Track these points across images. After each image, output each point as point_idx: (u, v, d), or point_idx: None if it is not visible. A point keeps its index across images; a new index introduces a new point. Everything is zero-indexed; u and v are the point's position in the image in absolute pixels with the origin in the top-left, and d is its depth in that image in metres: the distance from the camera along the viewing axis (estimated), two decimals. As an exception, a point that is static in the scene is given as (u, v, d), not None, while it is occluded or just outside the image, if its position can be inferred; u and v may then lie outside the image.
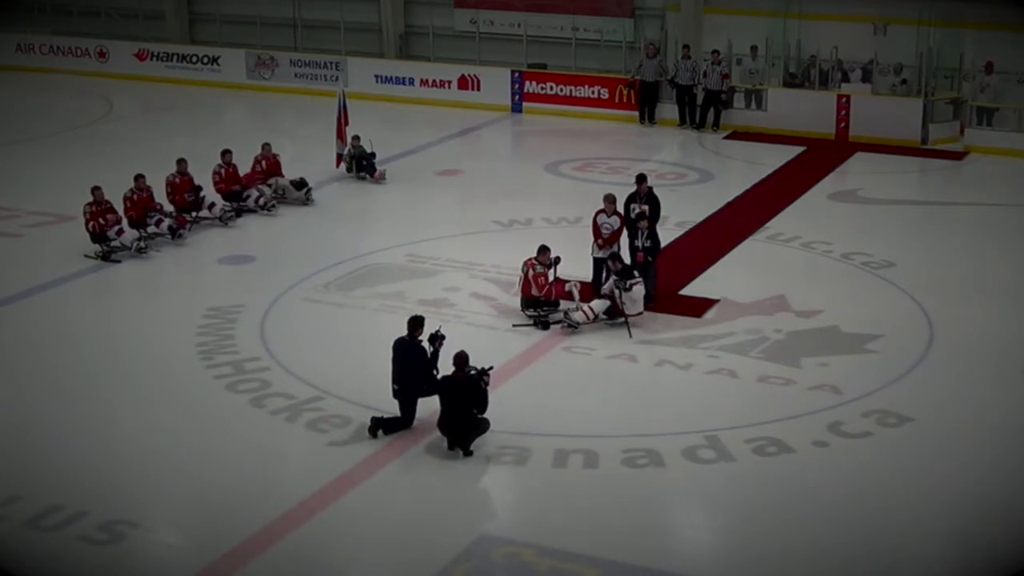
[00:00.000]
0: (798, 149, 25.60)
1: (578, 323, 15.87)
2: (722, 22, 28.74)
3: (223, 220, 20.47)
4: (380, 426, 13.07)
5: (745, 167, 24.60)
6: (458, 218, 21.36)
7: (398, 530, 11.54)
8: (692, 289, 17.49)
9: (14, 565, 10.79)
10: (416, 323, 13.28)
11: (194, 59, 32.87)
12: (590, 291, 16.46)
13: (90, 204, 18.76)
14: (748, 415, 13.62)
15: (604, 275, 16.38)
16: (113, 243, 18.78)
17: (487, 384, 12.67)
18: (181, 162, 20.54)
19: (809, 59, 27.61)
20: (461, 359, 12.68)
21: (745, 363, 15.00)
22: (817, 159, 24.99)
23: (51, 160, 25.16)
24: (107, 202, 18.88)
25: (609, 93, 28.57)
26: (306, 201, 21.66)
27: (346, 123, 23.55)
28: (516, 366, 14.92)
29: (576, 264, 16.86)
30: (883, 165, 24.66)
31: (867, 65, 26.83)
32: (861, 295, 17.44)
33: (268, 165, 21.74)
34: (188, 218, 20.09)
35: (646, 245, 16.64)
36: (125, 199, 19.27)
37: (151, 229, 19.26)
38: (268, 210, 21.12)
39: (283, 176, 21.75)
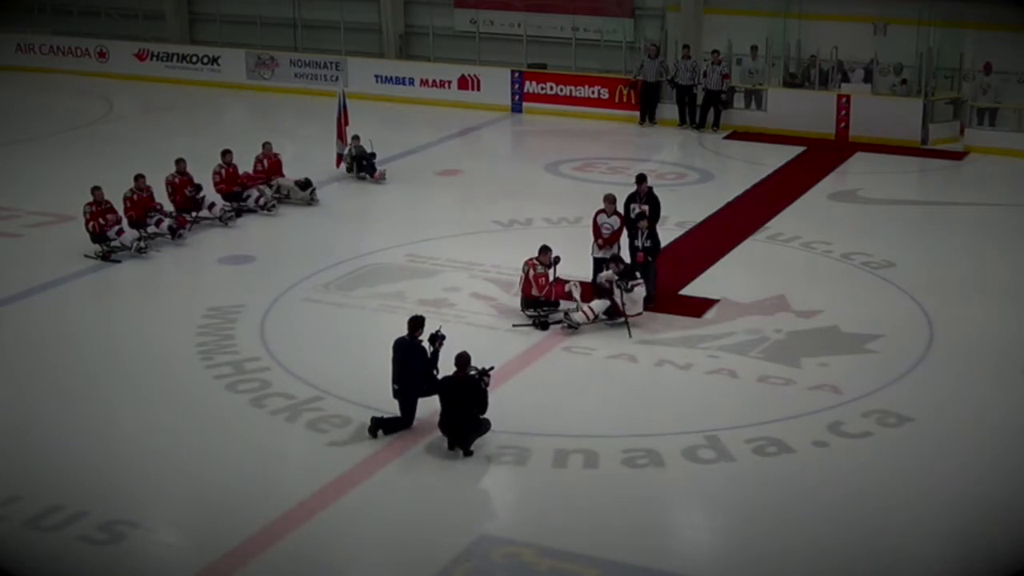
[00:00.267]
0: (798, 149, 25.60)
1: (578, 323, 15.88)
2: (722, 22, 28.75)
3: (223, 220, 20.47)
4: (380, 426, 13.07)
5: (745, 167, 24.60)
6: (458, 218, 21.36)
7: (398, 530, 11.54)
8: (692, 289, 17.49)
9: (14, 565, 10.79)
10: (416, 323, 13.28)
11: (194, 59, 32.88)
12: (590, 291, 16.45)
13: (90, 204, 18.76)
14: (748, 415, 13.62)
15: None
16: (113, 243, 18.78)
17: (487, 384, 12.67)
18: (180, 162, 20.54)
19: (809, 59, 27.62)
20: (463, 359, 12.67)
21: (745, 363, 15.00)
22: (817, 159, 24.99)
23: (51, 160, 25.16)
24: (107, 202, 18.88)
25: (609, 93, 28.58)
26: (311, 201, 21.66)
27: (346, 123, 23.56)
28: (516, 366, 14.92)
29: (576, 264, 16.86)
30: (883, 165, 24.66)
31: (867, 65, 26.84)
32: (861, 295, 17.44)
33: (269, 164, 21.75)
34: (188, 218, 20.10)
35: (646, 245, 16.64)
36: (125, 199, 19.28)
37: (151, 229, 19.26)
38: (268, 210, 21.13)
39: (284, 175, 21.77)
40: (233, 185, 20.98)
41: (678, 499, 12.30)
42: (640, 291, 16.03)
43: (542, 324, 16.00)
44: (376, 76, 30.83)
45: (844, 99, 26.36)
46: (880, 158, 25.07)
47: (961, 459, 12.81)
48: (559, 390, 14.51)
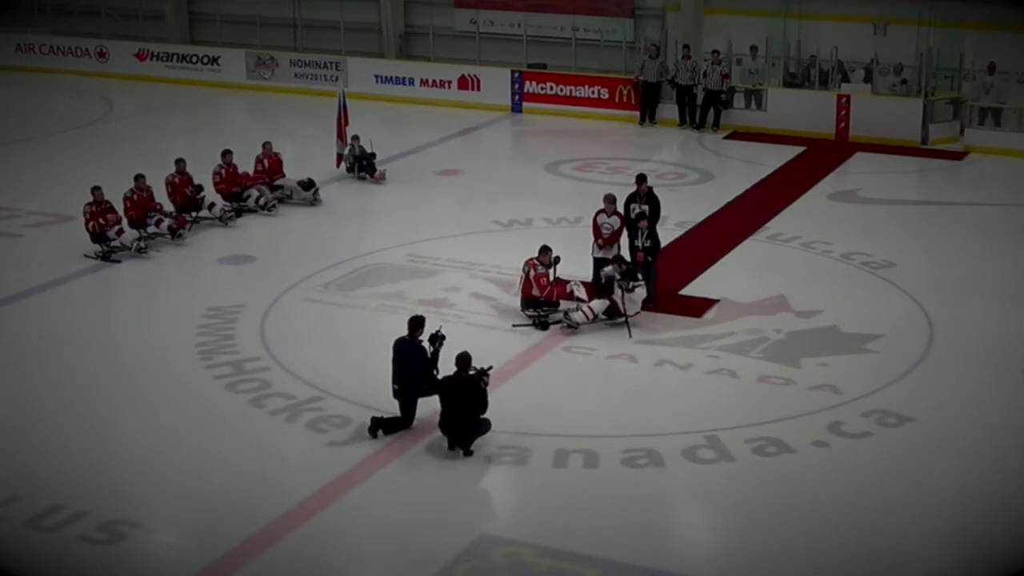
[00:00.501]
0: (798, 149, 25.60)
1: (578, 323, 15.88)
2: (722, 22, 28.75)
3: (223, 220, 20.48)
4: (380, 426, 13.06)
5: (745, 167, 24.60)
6: (458, 218, 21.36)
7: (398, 530, 11.54)
8: (692, 289, 17.49)
9: (14, 565, 10.79)
10: (416, 323, 13.27)
11: (194, 59, 32.88)
12: (590, 291, 16.45)
13: (90, 204, 18.76)
14: (748, 415, 13.62)
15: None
16: (113, 243, 18.78)
17: (486, 384, 12.67)
18: (179, 162, 20.54)
19: (809, 59, 27.62)
20: (464, 360, 12.68)
21: (745, 363, 15.00)
22: (817, 159, 24.99)
23: (51, 160, 25.16)
24: (107, 202, 18.88)
25: (609, 93, 28.58)
26: (314, 202, 21.65)
27: (346, 123, 23.55)
28: (516, 366, 14.92)
29: (576, 264, 16.86)
30: (883, 165, 24.66)
31: (867, 65, 26.83)
32: (861, 295, 17.44)
33: (270, 164, 21.74)
34: (188, 218, 20.10)
35: (646, 245, 16.64)
36: (125, 199, 19.28)
37: (151, 229, 19.26)
38: (268, 210, 21.12)
39: (285, 175, 21.76)
40: (233, 185, 20.99)
41: (678, 499, 12.29)
42: (640, 292, 16.03)
43: (542, 324, 16.00)
44: (376, 76, 30.83)
45: (844, 99, 26.35)
46: (880, 158, 25.07)
47: (961, 459, 12.81)
48: (559, 390, 14.51)
